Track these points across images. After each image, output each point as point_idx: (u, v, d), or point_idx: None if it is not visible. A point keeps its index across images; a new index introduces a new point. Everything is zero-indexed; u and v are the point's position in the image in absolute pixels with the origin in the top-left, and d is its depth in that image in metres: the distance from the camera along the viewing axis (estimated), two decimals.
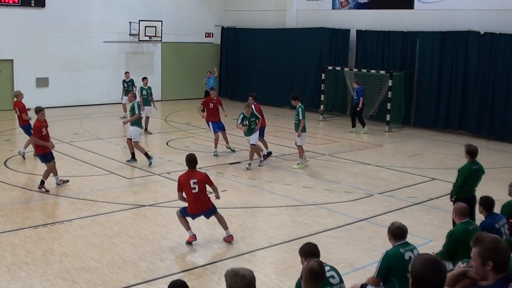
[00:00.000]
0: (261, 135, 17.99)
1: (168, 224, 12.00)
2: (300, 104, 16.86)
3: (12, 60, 28.20)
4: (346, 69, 27.07)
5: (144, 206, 13.24)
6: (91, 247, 10.70)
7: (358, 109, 23.72)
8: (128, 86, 25.42)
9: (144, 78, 23.56)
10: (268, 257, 10.49)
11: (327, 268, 6.31)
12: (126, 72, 25.31)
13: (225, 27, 34.32)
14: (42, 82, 28.81)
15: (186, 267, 9.93)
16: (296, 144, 17.17)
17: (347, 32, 28.22)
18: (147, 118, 22.39)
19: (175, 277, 9.44)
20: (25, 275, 9.40)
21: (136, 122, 17.20)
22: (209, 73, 29.47)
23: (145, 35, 30.70)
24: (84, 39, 29.85)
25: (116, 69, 30.82)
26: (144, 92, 22.87)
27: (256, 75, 32.22)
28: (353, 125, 24.08)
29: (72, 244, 10.83)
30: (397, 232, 7.34)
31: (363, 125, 23.90)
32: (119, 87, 28.50)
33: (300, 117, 16.59)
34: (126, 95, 23.34)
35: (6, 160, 17.39)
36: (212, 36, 34.68)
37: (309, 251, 6.78)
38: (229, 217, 12.38)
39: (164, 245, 10.81)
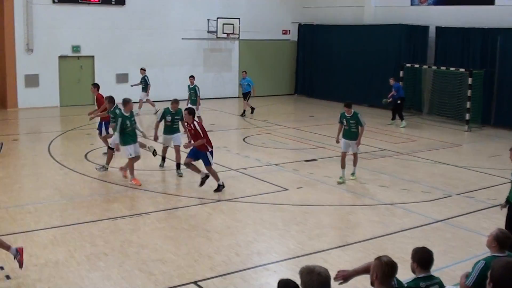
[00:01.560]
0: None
1: (244, 219, 12.05)
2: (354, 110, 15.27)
3: (93, 57, 28.97)
4: (424, 66, 26.56)
5: (220, 200, 13.33)
6: (168, 239, 10.85)
7: (399, 102, 24.03)
8: (191, 93, 23.57)
9: (190, 77, 23.57)
10: (343, 255, 10.38)
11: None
12: (191, 77, 24.12)
13: (302, 24, 34.21)
14: (122, 78, 29.46)
15: (261, 263, 9.93)
16: (354, 153, 15.34)
17: (426, 28, 27.69)
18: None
19: (250, 272, 9.48)
20: (104, 265, 9.61)
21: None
22: (244, 72, 27.46)
23: (223, 32, 30.92)
24: (163, 36, 30.36)
25: (194, 66, 31.23)
26: (189, 91, 22.85)
27: (333, 72, 31.95)
28: (393, 118, 24.51)
29: (150, 236, 11.01)
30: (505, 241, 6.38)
31: (402, 118, 24.13)
32: (197, 84, 28.82)
33: (362, 124, 14.96)
34: (192, 104, 22.49)
35: (87, 153, 17.86)
36: (289, 33, 34.65)
37: (424, 259, 5.94)
38: (304, 214, 12.35)
39: (240, 240, 10.85)
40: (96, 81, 28.07)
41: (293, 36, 34.64)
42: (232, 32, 31.13)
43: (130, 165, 14.52)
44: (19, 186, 14.56)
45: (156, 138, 15.79)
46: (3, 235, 10.82)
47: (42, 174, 15.66)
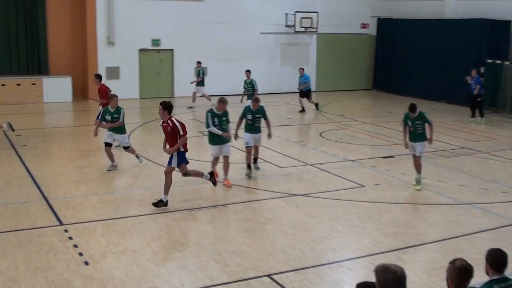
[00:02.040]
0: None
1: (319, 214, 12.01)
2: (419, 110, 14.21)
3: (172, 50, 29.44)
4: (506, 62, 25.78)
5: (296, 195, 13.32)
6: (243, 232, 10.93)
7: (479, 99, 23.34)
8: (247, 87, 23.19)
9: (247, 71, 23.41)
10: (419, 255, 10.21)
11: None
12: (247, 71, 23.68)
13: (381, 17, 33.74)
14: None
15: (335, 259, 9.87)
16: (415, 155, 14.11)
17: (507, 23, 26.87)
18: None
19: (324, 268, 9.45)
20: (179, 255, 9.77)
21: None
22: (301, 69, 26.33)
23: (301, 26, 30.83)
24: (241, 30, 30.55)
25: (272, 60, 31.32)
26: (246, 86, 22.66)
27: (412, 67, 31.36)
28: (473, 115, 23.69)
29: (225, 228, 11.13)
30: None
31: (482, 116, 23.41)
32: (274, 78, 28.99)
33: (430, 122, 13.97)
34: (250, 98, 22.23)
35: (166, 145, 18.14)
36: (368, 27, 34.24)
37: (497, 261, 5.58)
38: (380, 212, 12.21)
39: (314, 235, 10.82)
40: (175, 75, 28.64)
41: (372, 30, 34.20)
42: (310, 26, 31.01)
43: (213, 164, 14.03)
44: (99, 175, 14.96)
45: (236, 137, 14.88)
46: (83, 222, 11.20)
47: (122, 164, 16.04)
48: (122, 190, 13.55)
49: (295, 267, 9.34)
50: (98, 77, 18.87)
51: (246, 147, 14.73)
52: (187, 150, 12.33)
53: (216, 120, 13.64)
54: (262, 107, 14.95)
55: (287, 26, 31.34)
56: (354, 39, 33.80)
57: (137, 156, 15.74)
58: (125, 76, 28.45)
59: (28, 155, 16.76)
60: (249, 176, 14.57)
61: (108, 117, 15.19)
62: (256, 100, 14.99)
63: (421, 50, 30.77)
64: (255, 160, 15.32)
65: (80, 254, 9.69)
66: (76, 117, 25.51)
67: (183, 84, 28.72)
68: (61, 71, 28.48)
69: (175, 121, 12.06)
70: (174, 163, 12.18)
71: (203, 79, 26.38)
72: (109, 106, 15.56)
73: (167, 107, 12.08)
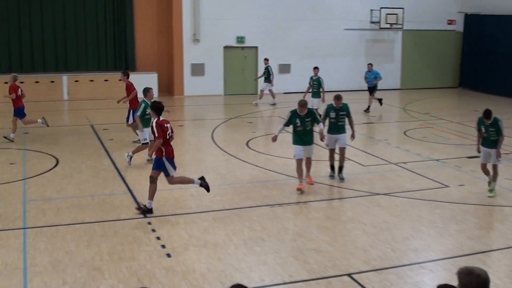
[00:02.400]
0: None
1: (402, 214, 11.82)
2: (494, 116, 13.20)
3: (257, 47, 29.60)
4: None
5: (378, 194, 13.17)
6: (324, 229, 10.89)
7: None
8: (313, 84, 22.57)
9: (314, 68, 22.92)
10: (503, 259, 9.88)
11: None
12: (315, 68, 23.10)
13: (468, 14, 32.84)
14: (284, 69, 29.89)
15: (417, 260, 9.69)
16: (493, 165, 13.14)
17: None
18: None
19: (405, 269, 9.30)
20: (260, 250, 9.83)
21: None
22: (370, 65, 25.19)
23: (386, 23, 30.42)
24: (325, 26, 30.42)
25: (356, 57, 31.04)
26: (312, 83, 22.13)
27: (500, 65, 30.34)
28: None
29: (306, 225, 11.12)
30: None
31: None
32: (358, 75, 28.63)
33: (502, 133, 12.94)
34: (314, 97, 22.00)
35: (248, 141, 18.31)
36: (455, 24, 33.40)
37: None
38: (464, 213, 11.91)
39: (396, 235, 10.66)
40: (259, 72, 28.79)
41: (459, 26, 33.34)
42: (395, 22, 30.54)
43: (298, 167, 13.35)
44: (183, 169, 15.20)
45: (322, 137, 13.88)
46: (166, 215, 11.43)
47: (205, 159, 16.28)
48: None
49: (375, 267, 9.24)
50: (126, 74, 18.77)
51: (329, 149, 14.26)
52: (172, 157, 11.75)
53: (298, 121, 13.17)
54: (345, 104, 14.18)
55: (372, 22, 30.99)
56: (440, 35, 33.05)
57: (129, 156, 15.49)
58: (210, 73, 28.84)
59: (114, 148, 17.25)
60: (332, 177, 14.26)
61: (333, 114, 14.07)
62: (338, 98, 14.08)
63: (510, 47, 29.77)
64: (341, 169, 14.19)
65: (163, 246, 9.90)
66: None
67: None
68: (148, 68, 29.14)
69: (154, 123, 11.44)
70: (170, 170, 11.66)
71: (270, 76, 26.37)
72: (146, 99, 15.38)
73: (154, 108, 11.63)
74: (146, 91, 15.53)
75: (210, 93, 28.57)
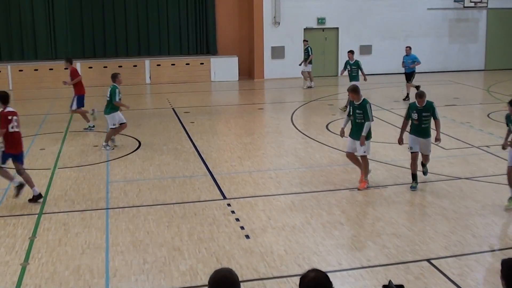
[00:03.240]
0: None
1: (484, 199, 11.49)
2: None
3: (337, 28, 29.36)
4: None
5: (460, 178, 12.86)
6: (404, 214, 10.74)
7: None
8: (352, 69, 20.93)
9: (349, 52, 21.56)
10: None
11: None
12: (350, 52, 21.54)
13: None
14: (365, 50, 29.51)
15: (498, 247, 9.44)
16: None
17: None
18: None
19: (486, 255, 9.07)
20: (338, 234, 9.79)
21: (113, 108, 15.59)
22: (408, 48, 23.09)
23: (471, 1, 29.55)
24: (407, 6, 29.82)
25: (439, 37, 30.35)
26: (350, 67, 20.91)
27: None
28: None
29: (385, 209, 10.98)
30: None
31: None
32: (441, 56, 28.03)
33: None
34: (354, 80, 20.19)
35: (328, 124, 18.22)
36: None
37: None
38: None
39: (477, 221, 10.38)
40: (339, 53, 28.54)
41: None
42: (480, 0, 29.61)
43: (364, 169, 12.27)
44: (262, 152, 15.33)
45: (400, 141, 12.39)
46: (245, 197, 11.53)
47: (284, 142, 16.30)
48: (284, 167, 13.76)
49: (455, 253, 9.05)
50: (69, 60, 18.54)
51: (411, 152, 12.20)
52: (18, 152, 11.32)
53: (351, 109, 12.21)
54: (430, 103, 12.06)
55: (455, 1, 30.15)
56: None
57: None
58: (290, 56, 28.79)
59: (195, 131, 17.50)
60: (414, 188, 12.06)
61: (415, 115, 12.04)
62: (421, 95, 11.95)
63: None
64: (424, 165, 12.73)
65: (242, 227, 10.00)
66: (241, 95, 26.20)
67: None
68: (228, 51, 29.37)
69: None
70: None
71: (309, 57, 26.02)
72: (115, 83, 15.66)
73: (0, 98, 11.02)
74: (115, 76, 15.83)
75: (290, 76, 28.53)
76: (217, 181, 12.60)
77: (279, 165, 13.93)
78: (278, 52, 28.90)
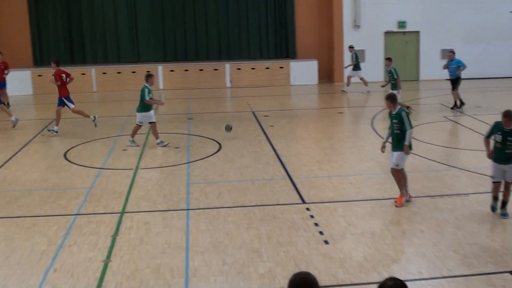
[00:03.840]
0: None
1: None
2: None
3: (418, 32, 28.90)
4: None
5: None
6: (486, 224, 10.42)
7: None
8: (389, 77, 20.78)
9: (386, 59, 21.11)
10: None
11: None
12: (387, 59, 21.24)
13: None
14: (446, 54, 28.89)
15: None
16: None
17: None
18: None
19: None
20: (419, 242, 9.62)
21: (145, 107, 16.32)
22: (451, 53, 21.67)
23: None
24: (489, 9, 29.03)
25: None
26: (389, 75, 20.46)
27: None
28: None
29: (467, 218, 10.67)
30: None
31: None
32: None
33: None
34: (394, 89, 19.70)
35: None
36: None
37: None
38: None
39: None
40: (420, 57, 28.13)
41: None
42: None
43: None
44: (342, 157, 15.26)
45: (490, 155, 10.83)
46: (324, 202, 11.50)
47: (364, 147, 16.17)
48: (364, 172, 13.66)
49: None
50: (56, 62, 19.23)
51: (492, 182, 10.87)
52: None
53: (390, 120, 11.61)
54: None
55: None
56: None
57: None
58: (370, 59, 28.54)
59: (275, 135, 17.58)
60: (493, 209, 10.91)
61: (499, 137, 10.49)
62: (508, 115, 10.23)
63: None
64: (504, 204, 10.81)
65: (321, 232, 9.98)
66: (321, 99, 26.17)
67: (429, 67, 28.19)
68: (308, 55, 29.37)
69: None
70: None
71: (358, 63, 25.81)
72: (147, 84, 16.19)
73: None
74: (148, 76, 16.35)
75: (370, 80, 28.27)
76: (296, 185, 12.62)
77: (359, 171, 13.82)
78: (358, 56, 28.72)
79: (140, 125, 16.44)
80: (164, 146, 16.31)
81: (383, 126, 18.92)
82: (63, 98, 18.53)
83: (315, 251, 9.25)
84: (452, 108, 21.24)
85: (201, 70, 28.57)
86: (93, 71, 28.39)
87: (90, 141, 17.38)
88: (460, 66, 21.19)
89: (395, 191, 11.97)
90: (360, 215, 10.87)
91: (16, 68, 28.26)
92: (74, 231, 10.31)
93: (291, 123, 19.48)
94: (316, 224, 10.36)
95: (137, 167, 14.34)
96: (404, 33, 29.02)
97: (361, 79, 25.94)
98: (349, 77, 26.33)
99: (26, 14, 29.19)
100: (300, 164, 14.43)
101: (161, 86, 28.04)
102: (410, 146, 11.43)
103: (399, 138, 11.35)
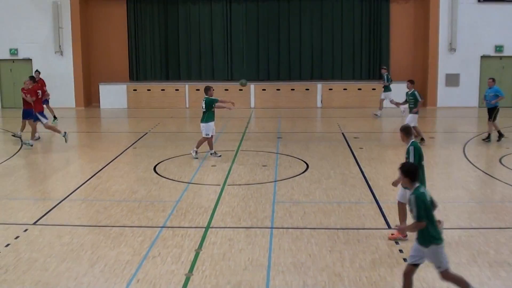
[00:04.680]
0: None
1: None
2: None
3: None
4: None
5: None
6: None
7: None
8: (408, 100, 19.54)
9: (409, 81, 19.91)
10: None
11: None
12: (409, 81, 19.94)
13: None
14: None
15: None
16: None
17: None
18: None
19: None
20: (505, 275, 9.28)
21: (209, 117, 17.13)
22: (491, 80, 20.15)
23: None
24: None
25: None
26: (408, 98, 19.39)
27: None
28: None
29: None
30: None
31: None
32: None
33: None
34: (410, 112, 19.06)
35: (502, 157, 17.43)
36: None
37: None
38: None
39: None
40: None
41: None
42: None
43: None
44: (431, 183, 14.81)
45: None
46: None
47: (454, 174, 15.83)
48: (453, 200, 13.33)
49: None
50: (32, 78, 20.68)
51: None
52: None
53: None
54: None
55: None
56: None
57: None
58: (465, 84, 27.96)
59: (363, 157, 17.44)
60: None
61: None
62: None
63: None
64: None
65: (405, 260, 9.78)
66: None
67: None
68: (401, 77, 29.00)
69: None
70: None
71: (389, 85, 25.23)
72: (207, 95, 17.10)
73: None
74: (208, 89, 17.20)
75: (464, 105, 27.67)
76: (383, 210, 12.45)
77: (448, 198, 13.50)
78: (452, 80, 28.14)
79: (207, 137, 17.15)
80: (216, 156, 17.26)
81: (476, 152, 18.48)
82: (37, 113, 19.62)
83: (398, 278, 9.06)
84: (483, 139, 20.01)
85: (292, 89, 28.73)
86: (186, 87, 29.09)
87: (179, 155, 17.75)
88: (498, 95, 19.68)
89: (484, 220, 11.65)
90: (446, 244, 10.53)
91: (113, 82, 29.47)
92: (159, 243, 10.55)
93: (380, 146, 19.26)
94: (400, 251, 10.17)
95: (224, 183, 14.54)
96: (501, 57, 28.23)
97: (391, 101, 24.16)
98: (381, 100, 25.83)
99: (125, 33, 30.30)
100: (388, 188, 14.18)
101: (252, 104, 28.41)
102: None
103: None
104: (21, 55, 29.64)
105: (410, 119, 18.57)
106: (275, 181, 14.86)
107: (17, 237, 10.93)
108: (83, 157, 18.12)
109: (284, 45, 29.83)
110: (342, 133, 21.46)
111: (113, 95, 29.21)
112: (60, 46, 29.18)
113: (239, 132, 20.12)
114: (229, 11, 29.92)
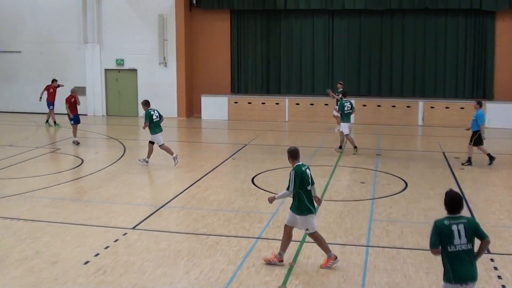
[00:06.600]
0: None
1: None
2: None
3: None
4: None
5: None
6: None
7: None
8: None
9: (477, 102, 18.58)
10: None
11: None
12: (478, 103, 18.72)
13: None
14: None
15: None
16: None
17: None
18: None
19: None
20: None
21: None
22: (478, 103, 18.90)
23: None
24: None
25: None
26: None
27: None
28: None
29: None
30: None
31: None
32: None
33: None
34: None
35: None
36: None
37: None
38: None
39: None
40: None
41: None
42: None
43: None
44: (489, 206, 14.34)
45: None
46: (511, 254, 10.89)
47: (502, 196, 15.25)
48: None
49: None
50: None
51: None
52: None
53: None
54: None
55: None
56: None
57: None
58: None
59: (464, 177, 17.00)
60: None
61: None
62: None
63: None
64: None
65: (503, 286, 9.48)
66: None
67: None
68: (506, 96, 28.11)
69: None
70: None
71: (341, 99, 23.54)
72: None
73: None
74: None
75: None
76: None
77: None
78: None
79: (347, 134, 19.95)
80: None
81: None
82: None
83: None
84: (462, 163, 18.90)
85: (393, 106, 28.35)
86: (286, 101, 29.28)
87: (278, 168, 17.87)
88: (477, 120, 18.55)
89: None
90: None
91: (214, 94, 30.12)
92: (254, 254, 10.67)
93: (482, 167, 18.68)
94: (499, 277, 9.85)
95: (321, 198, 14.51)
96: None
97: None
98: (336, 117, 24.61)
99: (228, 46, 30.89)
100: (488, 211, 13.80)
101: (352, 120, 28.21)
102: (308, 208, 10.01)
103: (294, 198, 10.16)
104: (127, 66, 30.80)
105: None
106: (373, 198, 14.72)
107: (116, 240, 11.35)
108: (183, 166, 18.54)
109: (386, 60, 29.49)
110: (443, 153, 20.99)
111: (215, 107, 29.79)
112: (164, 57, 30.10)
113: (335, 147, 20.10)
114: (331, 26, 29.91)
